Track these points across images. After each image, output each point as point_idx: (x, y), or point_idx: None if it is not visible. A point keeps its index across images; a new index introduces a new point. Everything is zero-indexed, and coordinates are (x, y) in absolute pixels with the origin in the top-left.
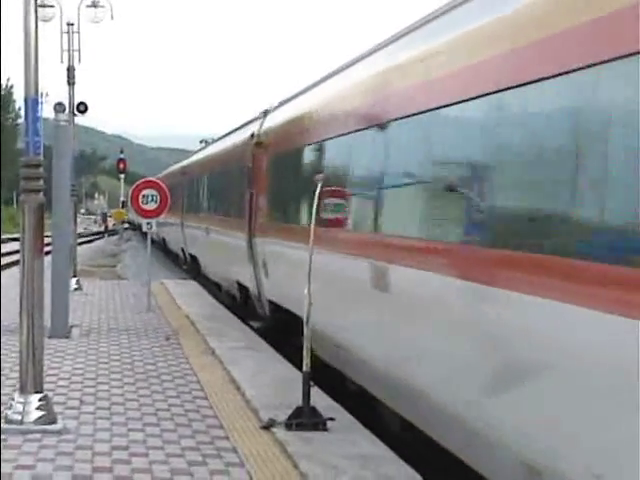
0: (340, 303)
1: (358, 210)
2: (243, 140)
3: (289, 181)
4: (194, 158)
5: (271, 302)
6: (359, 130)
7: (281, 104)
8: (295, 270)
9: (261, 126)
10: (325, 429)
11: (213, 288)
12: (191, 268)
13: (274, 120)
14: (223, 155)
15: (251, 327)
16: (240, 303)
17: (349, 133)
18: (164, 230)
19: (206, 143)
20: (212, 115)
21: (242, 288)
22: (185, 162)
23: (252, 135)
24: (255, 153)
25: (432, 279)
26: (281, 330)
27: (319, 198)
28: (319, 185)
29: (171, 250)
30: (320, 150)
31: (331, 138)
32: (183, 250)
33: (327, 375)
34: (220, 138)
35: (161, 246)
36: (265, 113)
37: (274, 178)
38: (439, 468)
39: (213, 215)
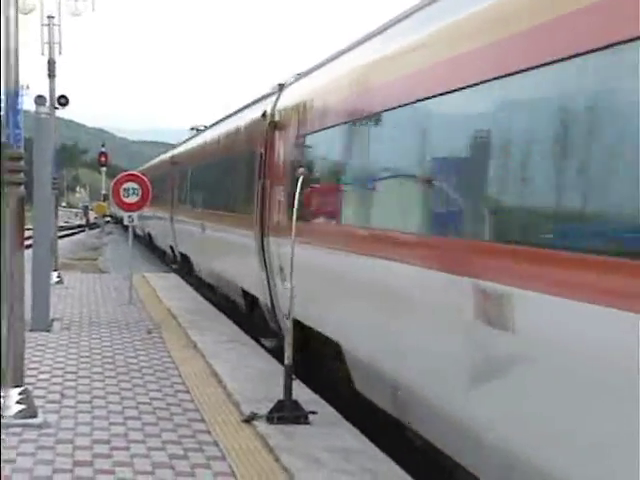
0: (406, 331)
1: (441, 206)
2: (251, 121)
3: (321, 169)
4: (187, 146)
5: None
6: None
7: (303, 75)
8: (329, 282)
9: (276, 103)
10: (307, 422)
11: (205, 290)
12: (181, 267)
13: (294, 95)
14: (224, 140)
15: (262, 346)
16: (245, 313)
17: (413, 103)
18: (150, 224)
19: (197, 131)
20: (195, 109)
21: (248, 296)
22: (175, 150)
23: (264, 115)
24: (269, 136)
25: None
26: (303, 353)
27: (301, 193)
28: (300, 180)
29: (158, 247)
30: (367, 127)
31: (382, 112)
32: (172, 248)
33: (309, 368)
34: (219, 121)
35: (146, 241)
36: (281, 87)
37: (297, 165)
38: (419, 461)
39: (211, 210)
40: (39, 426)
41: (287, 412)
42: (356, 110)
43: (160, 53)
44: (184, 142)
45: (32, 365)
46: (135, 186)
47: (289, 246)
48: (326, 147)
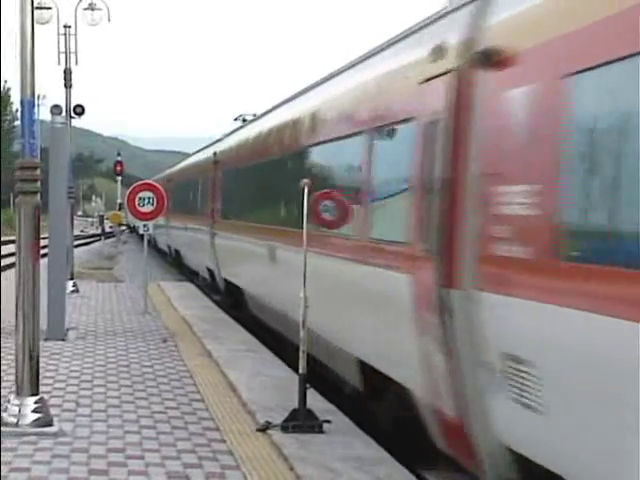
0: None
1: None
2: (399, 68)
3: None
4: (241, 136)
5: (515, 453)
6: None
7: None
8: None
9: (477, 22)
10: (321, 431)
11: (266, 337)
12: (227, 298)
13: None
14: (323, 116)
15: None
16: (361, 395)
17: None
18: (178, 239)
19: (243, 121)
20: (211, 119)
21: (367, 369)
22: (220, 145)
23: (438, 50)
24: (464, 87)
25: None
26: None
27: (308, 204)
28: (305, 190)
29: (189, 267)
30: None
31: None
32: (211, 272)
33: (323, 377)
34: (303, 92)
35: (173, 258)
36: None
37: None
38: (435, 469)
39: (290, 226)
40: (54, 435)
41: (301, 421)
42: None
43: (176, 62)
44: (233, 132)
45: (48, 374)
46: (150, 195)
47: (529, 314)
48: None
